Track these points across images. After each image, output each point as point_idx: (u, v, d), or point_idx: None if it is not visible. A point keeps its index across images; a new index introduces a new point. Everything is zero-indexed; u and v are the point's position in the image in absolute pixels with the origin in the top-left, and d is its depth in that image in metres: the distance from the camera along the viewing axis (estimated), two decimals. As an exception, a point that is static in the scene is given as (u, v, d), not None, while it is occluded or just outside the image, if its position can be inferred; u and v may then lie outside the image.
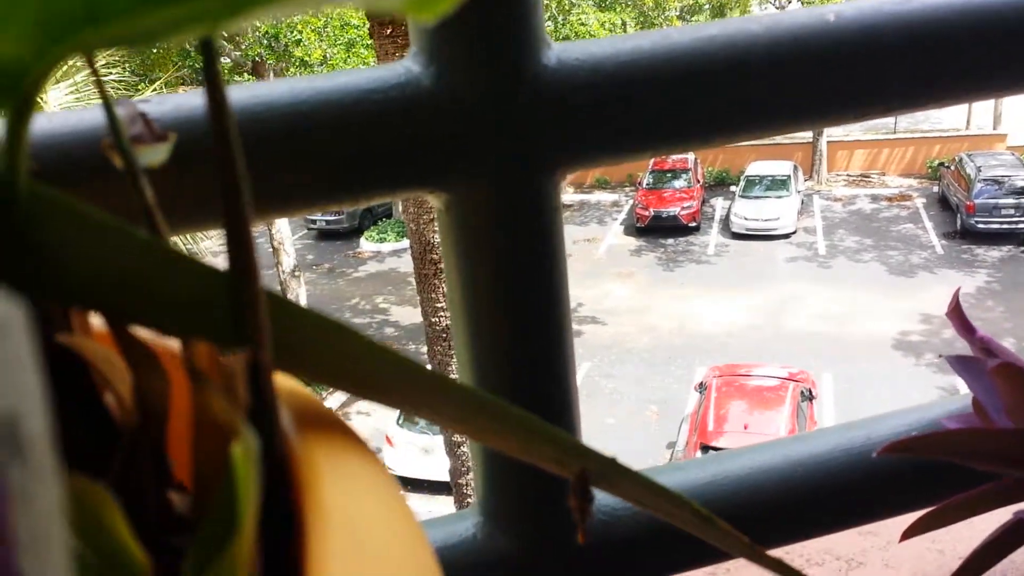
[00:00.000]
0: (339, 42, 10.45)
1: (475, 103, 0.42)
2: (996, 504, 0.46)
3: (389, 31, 4.83)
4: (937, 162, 15.10)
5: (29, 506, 0.08)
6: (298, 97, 0.41)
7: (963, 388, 0.67)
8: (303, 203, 0.43)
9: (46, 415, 0.08)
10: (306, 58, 10.33)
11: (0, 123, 0.16)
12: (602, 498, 0.54)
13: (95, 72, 0.20)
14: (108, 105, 0.21)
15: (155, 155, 0.23)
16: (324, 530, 0.17)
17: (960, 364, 0.44)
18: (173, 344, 0.22)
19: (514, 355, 0.47)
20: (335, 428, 0.22)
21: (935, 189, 14.69)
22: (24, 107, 0.15)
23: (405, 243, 12.48)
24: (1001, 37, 0.47)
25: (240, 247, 0.19)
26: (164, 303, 0.18)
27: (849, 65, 0.46)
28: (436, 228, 4.82)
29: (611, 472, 0.28)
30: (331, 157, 0.42)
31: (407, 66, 0.42)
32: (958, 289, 0.58)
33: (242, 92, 0.40)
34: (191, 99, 0.39)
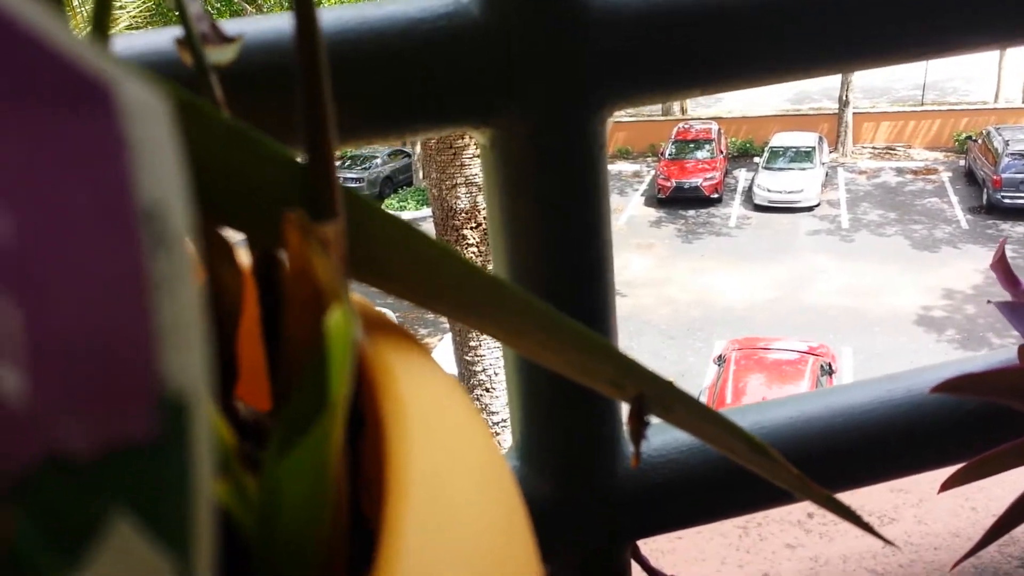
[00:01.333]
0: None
1: (523, 35, 0.41)
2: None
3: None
4: (964, 135, 14.88)
5: (172, 296, 0.08)
6: (346, 26, 0.40)
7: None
8: (349, 136, 0.43)
9: (187, 211, 0.08)
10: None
11: None
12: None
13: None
14: (182, 5, 0.21)
15: (223, 55, 0.22)
16: (402, 422, 0.17)
17: (1008, 309, 0.43)
18: (242, 248, 0.21)
19: (557, 290, 0.46)
20: (402, 335, 0.22)
21: (961, 163, 14.48)
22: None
23: (426, 211, 12.45)
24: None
25: (319, 140, 0.18)
26: (242, 190, 0.18)
27: (895, 3, 0.45)
28: (458, 195, 4.79)
29: (668, 396, 0.28)
30: (377, 89, 0.41)
31: (455, -5, 0.42)
32: (1004, 240, 0.57)
33: (289, 21, 0.39)
34: (258, 23, 0.39)
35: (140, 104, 0.08)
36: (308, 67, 0.17)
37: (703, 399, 8.46)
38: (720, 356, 8.91)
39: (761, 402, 0.57)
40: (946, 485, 0.50)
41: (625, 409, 0.49)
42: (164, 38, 0.38)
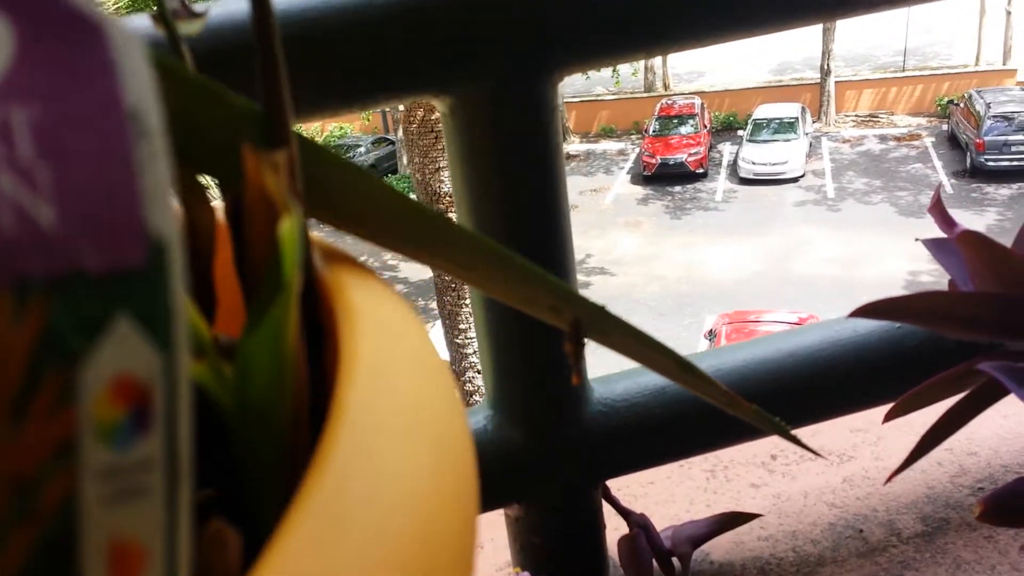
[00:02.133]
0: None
1: (477, 5, 0.45)
2: (970, 383, 0.50)
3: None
4: (946, 100, 14.94)
5: (152, 170, 0.11)
6: (308, 2, 0.43)
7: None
8: (315, 109, 0.46)
9: (159, 113, 0.11)
10: None
11: None
12: (600, 392, 0.57)
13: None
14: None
15: (191, 27, 0.26)
16: (351, 322, 0.20)
17: (935, 246, 0.47)
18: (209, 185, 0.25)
19: (518, 243, 0.50)
20: (355, 263, 0.26)
21: (944, 127, 14.56)
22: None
23: (410, 197, 12.45)
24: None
25: (273, 84, 0.22)
26: (209, 136, 0.21)
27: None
28: (442, 178, 4.78)
29: (602, 320, 0.31)
30: (340, 61, 0.44)
31: (409, -28, 0.45)
32: (939, 186, 0.60)
33: None
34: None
35: (123, 37, 0.11)
36: (260, 14, 0.20)
37: (695, 373, 8.51)
38: (711, 331, 8.98)
39: (717, 347, 0.60)
40: (888, 416, 0.54)
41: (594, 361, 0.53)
42: (145, 22, 0.41)
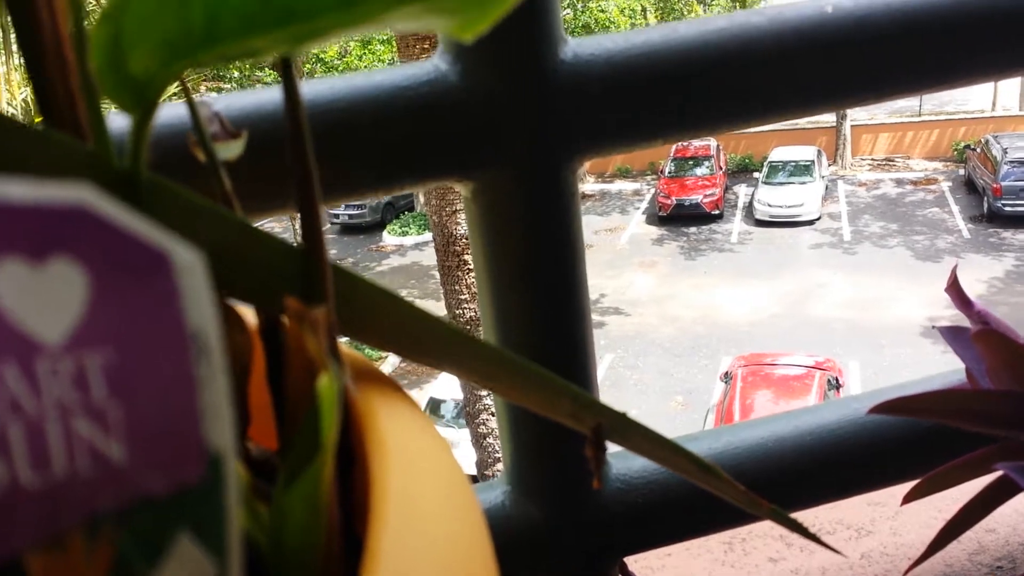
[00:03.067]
0: (355, 38, 10.59)
1: (498, 97, 0.46)
2: (991, 467, 0.50)
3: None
4: (963, 144, 14.93)
5: (210, 388, 0.12)
6: (337, 95, 0.44)
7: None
8: (343, 193, 0.47)
9: (217, 333, 0.12)
10: (321, 54, 10.46)
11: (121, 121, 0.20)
12: (618, 468, 0.57)
13: (183, 83, 0.24)
14: (193, 107, 0.25)
15: (231, 150, 0.27)
16: (382, 457, 0.21)
17: (951, 335, 0.47)
18: (250, 313, 0.25)
19: (536, 329, 0.51)
20: (386, 383, 0.26)
21: (961, 172, 14.54)
22: (148, 111, 0.19)
23: (427, 236, 12.52)
24: (995, 20, 0.50)
25: (311, 225, 0.22)
26: (251, 272, 0.22)
27: (847, 53, 0.49)
28: (459, 220, 4.82)
29: (622, 426, 0.32)
30: (368, 149, 0.45)
31: (435, 64, 0.46)
32: (955, 266, 0.61)
33: (260, 95, 0.44)
34: (254, 96, 0.43)
35: (185, 263, 0.12)
36: (303, 187, 0.21)
37: (711, 417, 8.47)
38: (727, 373, 8.93)
39: (735, 424, 0.61)
40: (908, 497, 0.53)
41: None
42: (174, 113, 0.42)
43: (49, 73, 0.22)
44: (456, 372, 0.29)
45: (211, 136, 0.27)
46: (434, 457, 0.23)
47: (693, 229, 13.64)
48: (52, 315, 0.10)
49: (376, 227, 15.20)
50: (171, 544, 0.11)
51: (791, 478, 0.58)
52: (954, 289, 0.55)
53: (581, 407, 0.30)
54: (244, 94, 0.43)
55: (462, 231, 4.64)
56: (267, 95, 0.43)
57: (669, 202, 13.73)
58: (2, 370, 0.10)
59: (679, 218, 13.81)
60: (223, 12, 0.17)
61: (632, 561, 0.62)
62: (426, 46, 4.60)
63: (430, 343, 0.27)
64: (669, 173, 14.16)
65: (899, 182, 14.83)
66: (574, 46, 0.46)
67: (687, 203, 13.64)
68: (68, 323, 0.10)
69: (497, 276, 0.50)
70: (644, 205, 14.89)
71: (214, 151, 0.26)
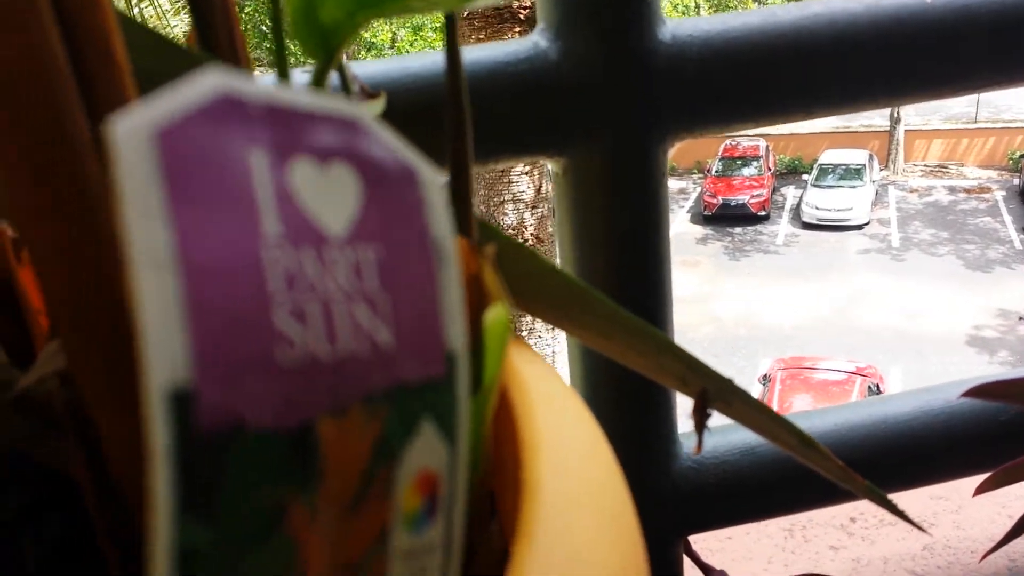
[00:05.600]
0: (407, 24, 10.65)
1: (595, 75, 0.47)
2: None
3: (466, 14, 4.87)
4: (1018, 153, 14.61)
5: (448, 292, 0.13)
6: (439, 69, 0.46)
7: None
8: (440, 166, 0.48)
9: (453, 241, 0.13)
10: (373, 39, 10.56)
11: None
12: (691, 447, 0.58)
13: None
14: (342, 69, 0.26)
15: (371, 110, 0.28)
16: (528, 406, 0.22)
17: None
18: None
19: (622, 300, 0.51)
20: (523, 344, 0.27)
21: (1015, 181, 14.22)
22: (331, 58, 0.20)
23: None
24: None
25: (463, 174, 0.24)
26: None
27: (943, 44, 0.49)
28: (506, 211, 4.80)
29: (728, 392, 0.33)
30: (475, 124, 0.46)
31: (535, 40, 0.47)
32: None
33: (392, 64, 0.45)
34: (383, 66, 0.45)
35: (428, 177, 0.13)
36: (456, 133, 0.22)
37: (748, 418, 8.38)
38: (765, 375, 8.84)
39: (808, 411, 0.61)
40: (979, 490, 0.54)
41: (682, 411, 0.54)
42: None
43: (217, 34, 0.23)
44: (572, 328, 0.30)
45: (356, 96, 0.28)
46: (570, 401, 0.24)
47: (738, 230, 13.51)
48: (335, 211, 0.11)
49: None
50: (419, 428, 0.12)
51: (863, 466, 0.58)
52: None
53: (690, 370, 0.31)
54: (363, 64, 0.44)
55: (509, 221, 4.65)
56: (384, 65, 0.45)
57: (715, 201, 13.60)
58: (302, 255, 0.11)
59: (724, 218, 13.67)
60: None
61: (693, 540, 0.63)
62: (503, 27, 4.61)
63: (554, 296, 0.28)
64: (716, 172, 14.02)
65: (951, 189, 14.55)
66: (672, 27, 0.47)
67: (733, 203, 13.50)
68: (348, 219, 0.12)
69: (582, 252, 0.51)
70: (689, 204, 14.78)
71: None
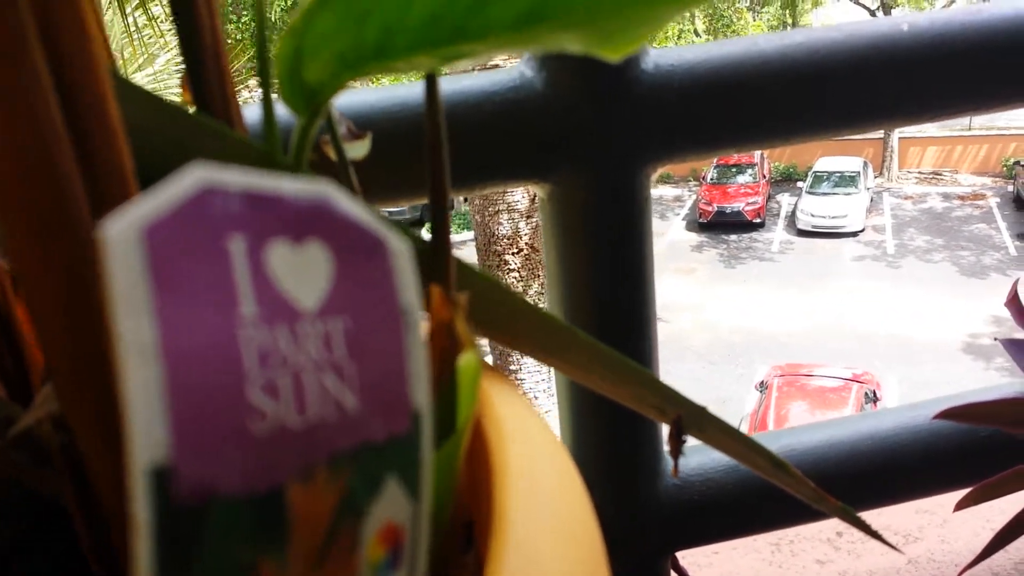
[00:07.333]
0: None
1: (579, 103, 0.48)
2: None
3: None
4: (1012, 160, 14.66)
5: (414, 356, 0.14)
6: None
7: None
8: (423, 193, 0.49)
9: (419, 307, 0.14)
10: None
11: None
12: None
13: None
14: (330, 113, 0.27)
15: (358, 150, 0.29)
16: (500, 437, 0.23)
17: (1014, 347, 0.48)
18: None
19: (605, 322, 0.52)
20: (496, 374, 0.28)
21: (1010, 188, 14.27)
22: (315, 115, 0.21)
23: (466, 235, 12.57)
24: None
25: (440, 218, 0.24)
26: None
27: (922, 70, 0.50)
28: (501, 221, 4.81)
29: (702, 419, 0.34)
30: (453, 151, 0.47)
31: (520, 71, 0.48)
32: (1017, 280, 0.62)
33: (382, 94, 0.46)
34: (365, 96, 0.46)
35: (398, 249, 0.14)
36: (436, 183, 0.23)
37: (744, 426, 8.41)
38: (762, 382, 8.84)
39: (793, 427, 0.62)
40: (959, 505, 0.55)
41: (665, 432, 0.55)
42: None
43: (207, 74, 0.24)
44: (553, 362, 0.31)
45: (342, 137, 0.29)
46: (541, 434, 0.25)
47: (734, 237, 13.54)
48: (308, 287, 0.12)
49: (415, 225, 15.27)
50: (384, 484, 0.13)
51: (844, 482, 0.59)
52: (1014, 304, 0.56)
53: (665, 400, 0.32)
54: (358, 93, 0.45)
55: (504, 231, 4.66)
56: (367, 96, 0.46)
57: (710, 209, 13.63)
58: (276, 331, 0.12)
59: (720, 225, 13.70)
60: (397, 30, 0.19)
61: (680, 556, 0.64)
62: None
63: (534, 334, 0.29)
64: (711, 180, 14.06)
65: (946, 196, 14.59)
66: (655, 56, 0.48)
67: (728, 211, 13.53)
68: (319, 294, 0.13)
69: (568, 274, 0.52)
70: (684, 211, 14.80)
71: (344, 151, 0.28)
